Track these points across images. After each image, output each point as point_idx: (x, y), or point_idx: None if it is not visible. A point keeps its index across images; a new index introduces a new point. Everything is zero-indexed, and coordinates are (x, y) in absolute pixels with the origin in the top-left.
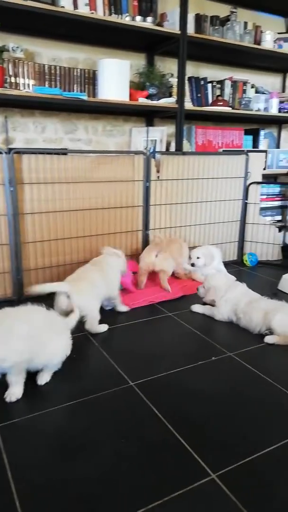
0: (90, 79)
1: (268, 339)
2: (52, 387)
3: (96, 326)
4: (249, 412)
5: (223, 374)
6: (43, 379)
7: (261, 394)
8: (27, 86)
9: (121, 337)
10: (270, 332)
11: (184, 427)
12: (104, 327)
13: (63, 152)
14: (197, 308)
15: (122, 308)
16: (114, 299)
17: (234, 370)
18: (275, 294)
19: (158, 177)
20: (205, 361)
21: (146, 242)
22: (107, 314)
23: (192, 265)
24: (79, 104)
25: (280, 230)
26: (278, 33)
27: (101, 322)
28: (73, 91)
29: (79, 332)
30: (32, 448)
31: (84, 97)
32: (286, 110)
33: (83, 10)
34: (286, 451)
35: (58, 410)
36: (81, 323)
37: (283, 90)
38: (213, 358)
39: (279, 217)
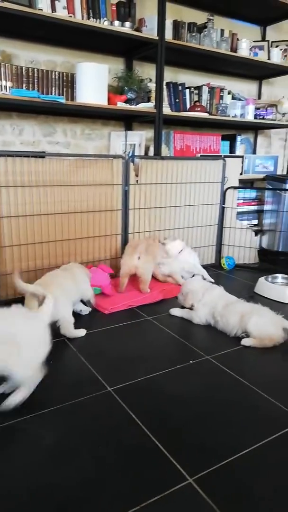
0: (68, 82)
1: (245, 341)
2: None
3: (72, 330)
4: (225, 415)
5: (201, 378)
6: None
7: (237, 396)
8: (4, 88)
9: (99, 342)
10: (247, 335)
11: (161, 432)
12: (82, 332)
13: (41, 155)
14: (175, 311)
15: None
16: (89, 299)
17: (212, 373)
18: (252, 297)
19: (137, 181)
20: (183, 365)
21: (125, 246)
22: (85, 319)
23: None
24: (57, 107)
25: (256, 234)
26: (254, 41)
27: (79, 326)
28: (51, 94)
29: (56, 337)
30: (8, 457)
31: (62, 100)
32: (261, 117)
33: (61, 13)
34: (262, 453)
35: (35, 418)
36: (57, 327)
37: (259, 97)
38: (191, 361)
39: (255, 221)
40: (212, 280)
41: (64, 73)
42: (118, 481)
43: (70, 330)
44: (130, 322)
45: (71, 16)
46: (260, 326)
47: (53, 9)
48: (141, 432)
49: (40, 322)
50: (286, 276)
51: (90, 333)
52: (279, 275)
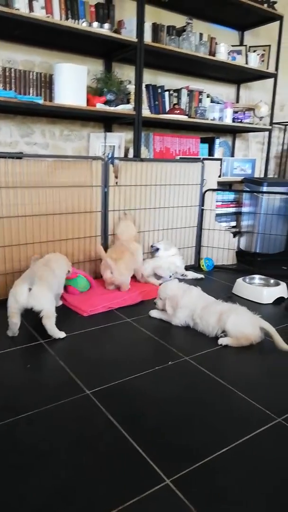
0: (46, 83)
1: (222, 340)
2: (5, 396)
3: (55, 328)
4: (203, 415)
5: (179, 379)
6: None
7: (215, 397)
8: None
9: (77, 345)
10: (225, 334)
11: (139, 434)
12: (61, 334)
13: (18, 156)
14: (154, 313)
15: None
16: (59, 295)
17: (190, 374)
18: (230, 297)
19: (117, 183)
20: (162, 366)
21: (105, 248)
22: (64, 321)
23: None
24: (35, 107)
25: (234, 236)
26: (232, 45)
27: (59, 328)
28: (29, 95)
29: (34, 341)
30: None
31: (40, 101)
32: (239, 120)
33: (39, 13)
34: (238, 452)
35: (11, 422)
36: (36, 330)
37: (237, 101)
38: (169, 362)
39: (233, 223)
40: (202, 276)
41: (42, 74)
42: (95, 483)
43: (53, 326)
44: (109, 324)
45: (49, 17)
46: (237, 325)
47: (31, 9)
48: (119, 434)
49: None
50: (263, 277)
51: (69, 336)
52: (256, 276)
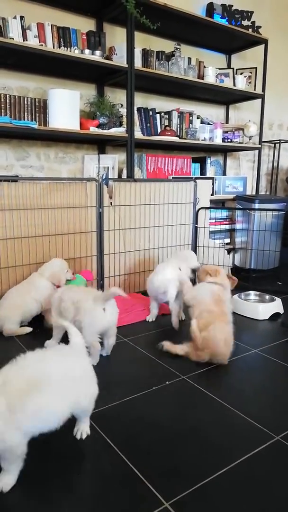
0: (41, 108)
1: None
2: None
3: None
4: (200, 436)
5: (176, 399)
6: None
7: (213, 416)
8: None
9: None
10: None
11: (138, 456)
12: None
13: (14, 179)
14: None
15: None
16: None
17: (187, 394)
18: None
19: (111, 203)
20: (159, 386)
21: (101, 267)
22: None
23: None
24: (30, 132)
25: (229, 252)
26: (220, 68)
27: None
28: (24, 119)
29: None
30: None
31: (35, 125)
32: (229, 140)
33: (32, 42)
34: (237, 473)
35: None
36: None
37: (227, 121)
38: (167, 382)
39: (227, 240)
40: None
41: (37, 99)
42: (93, 507)
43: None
44: None
45: (42, 45)
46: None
47: (25, 37)
48: (116, 457)
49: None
50: (258, 293)
51: None
52: (252, 292)
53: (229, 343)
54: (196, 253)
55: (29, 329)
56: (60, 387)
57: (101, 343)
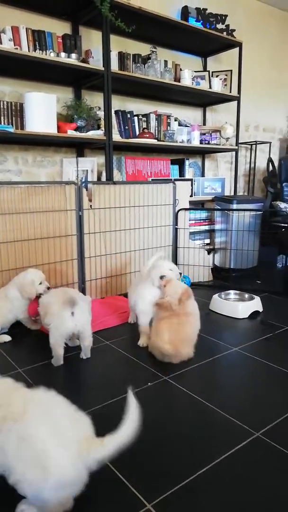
0: (17, 112)
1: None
2: None
3: None
4: (182, 435)
5: (158, 399)
6: None
7: (194, 415)
8: None
9: (54, 372)
10: None
11: (119, 459)
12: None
13: None
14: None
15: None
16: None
17: (169, 394)
18: (208, 313)
19: (91, 206)
20: (141, 388)
21: (82, 271)
22: (41, 347)
23: (162, 277)
24: (6, 136)
25: (209, 253)
26: (196, 71)
27: (38, 356)
28: (0, 123)
29: (12, 370)
30: None
31: (11, 129)
32: (207, 142)
33: (7, 45)
34: (219, 470)
35: None
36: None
37: (204, 123)
38: (149, 384)
39: (207, 240)
40: None
41: (13, 103)
42: (75, 511)
43: None
44: None
45: (17, 48)
46: None
47: None
48: None
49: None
50: (238, 292)
51: (46, 363)
52: (232, 291)
53: (175, 342)
54: (177, 254)
55: (7, 338)
56: None
57: (79, 346)
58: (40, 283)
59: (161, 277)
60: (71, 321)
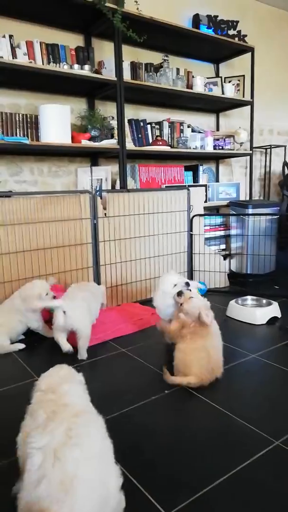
0: (32, 124)
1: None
2: None
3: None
4: (200, 444)
5: (175, 407)
6: None
7: (212, 423)
8: None
9: None
10: None
11: (137, 467)
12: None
13: (7, 195)
14: None
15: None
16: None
17: (186, 402)
18: (225, 320)
19: (105, 214)
20: (158, 396)
21: (98, 278)
22: (58, 356)
23: (179, 293)
24: (22, 147)
25: (225, 258)
26: (208, 77)
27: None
28: (16, 135)
29: (29, 377)
30: None
31: (26, 141)
32: (220, 147)
33: (22, 59)
34: (237, 480)
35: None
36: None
37: (217, 129)
38: (165, 391)
39: (223, 246)
40: None
41: (28, 115)
42: None
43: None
44: (104, 356)
45: (31, 62)
46: None
47: (14, 55)
48: None
49: None
50: (255, 297)
51: None
52: (249, 297)
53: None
54: (192, 260)
55: (21, 346)
56: None
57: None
58: (47, 294)
59: (179, 294)
60: (63, 319)
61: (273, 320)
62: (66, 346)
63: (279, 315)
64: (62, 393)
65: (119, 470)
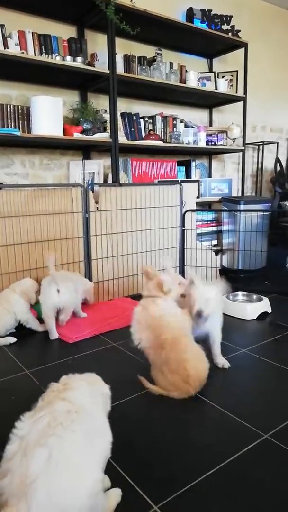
0: (24, 115)
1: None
2: None
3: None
4: (189, 437)
5: (165, 401)
6: None
7: (202, 417)
8: None
9: (61, 374)
10: None
11: (126, 461)
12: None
13: None
14: None
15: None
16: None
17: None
18: None
19: (97, 208)
20: (148, 389)
21: (89, 273)
22: (48, 349)
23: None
24: (13, 139)
25: (216, 254)
26: (201, 72)
27: (42, 357)
28: (7, 127)
29: (19, 371)
30: None
31: (17, 132)
32: (213, 143)
33: (13, 49)
34: (226, 472)
35: None
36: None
37: (210, 124)
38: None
39: (215, 242)
40: None
41: (19, 106)
42: None
43: None
44: (95, 350)
45: (23, 52)
46: None
47: (5, 45)
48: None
49: None
50: (246, 293)
51: (53, 365)
52: (239, 293)
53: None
54: (184, 256)
55: (12, 339)
56: None
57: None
58: (36, 291)
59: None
60: (56, 297)
61: (263, 316)
62: (55, 334)
63: (269, 310)
64: (68, 389)
65: (104, 475)
